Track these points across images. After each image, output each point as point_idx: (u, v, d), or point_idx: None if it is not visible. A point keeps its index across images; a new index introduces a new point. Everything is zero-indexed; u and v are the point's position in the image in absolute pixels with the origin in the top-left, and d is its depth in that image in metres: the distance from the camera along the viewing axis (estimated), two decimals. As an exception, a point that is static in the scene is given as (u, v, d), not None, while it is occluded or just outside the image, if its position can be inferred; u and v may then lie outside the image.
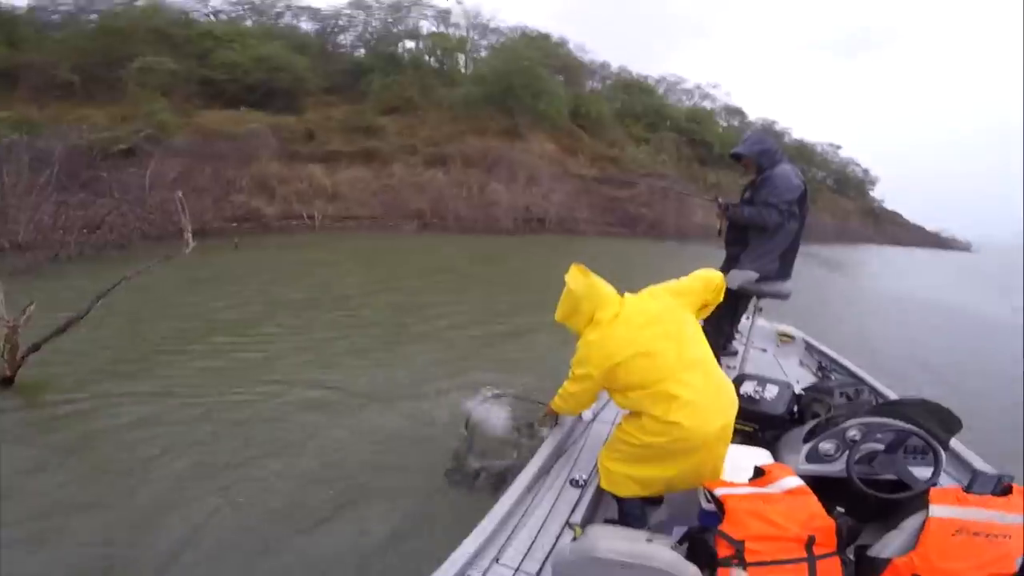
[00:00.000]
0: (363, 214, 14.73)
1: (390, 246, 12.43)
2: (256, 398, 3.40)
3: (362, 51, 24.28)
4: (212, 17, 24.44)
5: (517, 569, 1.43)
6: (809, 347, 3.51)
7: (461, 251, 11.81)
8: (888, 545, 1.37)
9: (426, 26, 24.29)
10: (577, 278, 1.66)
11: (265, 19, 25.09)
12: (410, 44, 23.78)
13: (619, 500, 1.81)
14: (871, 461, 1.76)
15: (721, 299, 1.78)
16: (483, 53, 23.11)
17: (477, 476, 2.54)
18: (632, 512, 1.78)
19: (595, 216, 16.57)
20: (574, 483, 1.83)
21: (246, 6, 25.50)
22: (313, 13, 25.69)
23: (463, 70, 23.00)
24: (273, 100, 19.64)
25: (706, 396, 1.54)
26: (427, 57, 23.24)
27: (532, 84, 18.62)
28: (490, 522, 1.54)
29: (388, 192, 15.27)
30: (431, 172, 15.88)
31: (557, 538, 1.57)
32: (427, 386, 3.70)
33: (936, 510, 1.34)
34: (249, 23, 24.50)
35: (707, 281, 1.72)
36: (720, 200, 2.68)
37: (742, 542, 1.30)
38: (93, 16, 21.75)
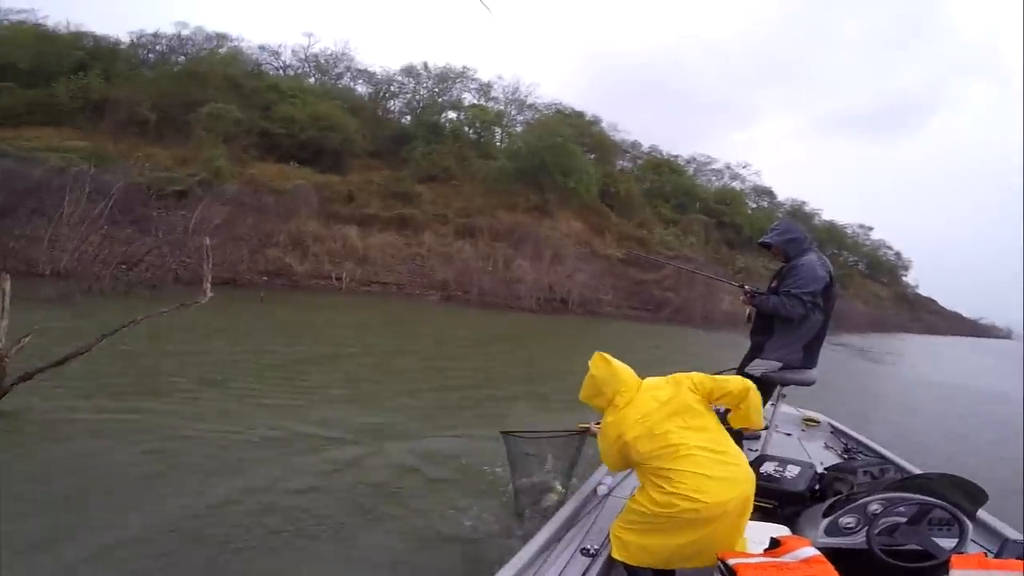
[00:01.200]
0: (390, 280, 14.93)
1: (412, 315, 12.39)
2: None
3: (408, 118, 25.68)
4: (281, 72, 26.61)
5: None
6: (835, 431, 3.47)
7: (482, 326, 11.61)
8: None
9: (468, 98, 25.79)
10: (599, 365, 1.82)
11: (327, 78, 27.04)
12: (452, 114, 25.01)
13: (630, 571, 1.84)
14: (892, 532, 1.69)
15: (748, 401, 1.85)
16: (519, 128, 23.97)
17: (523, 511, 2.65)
18: None
19: (619, 299, 16.35)
20: (585, 552, 1.82)
21: (312, 63, 27.81)
22: (368, 76, 27.55)
23: (499, 144, 23.75)
24: (321, 159, 20.65)
25: (717, 470, 1.60)
26: (466, 128, 24.26)
27: (564, 160, 18.92)
28: None
29: (416, 260, 15.53)
30: (459, 243, 16.16)
31: None
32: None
33: (956, 574, 1.24)
34: (312, 80, 26.37)
35: (725, 382, 1.83)
36: (747, 287, 2.68)
37: None
38: (181, 58, 23.90)
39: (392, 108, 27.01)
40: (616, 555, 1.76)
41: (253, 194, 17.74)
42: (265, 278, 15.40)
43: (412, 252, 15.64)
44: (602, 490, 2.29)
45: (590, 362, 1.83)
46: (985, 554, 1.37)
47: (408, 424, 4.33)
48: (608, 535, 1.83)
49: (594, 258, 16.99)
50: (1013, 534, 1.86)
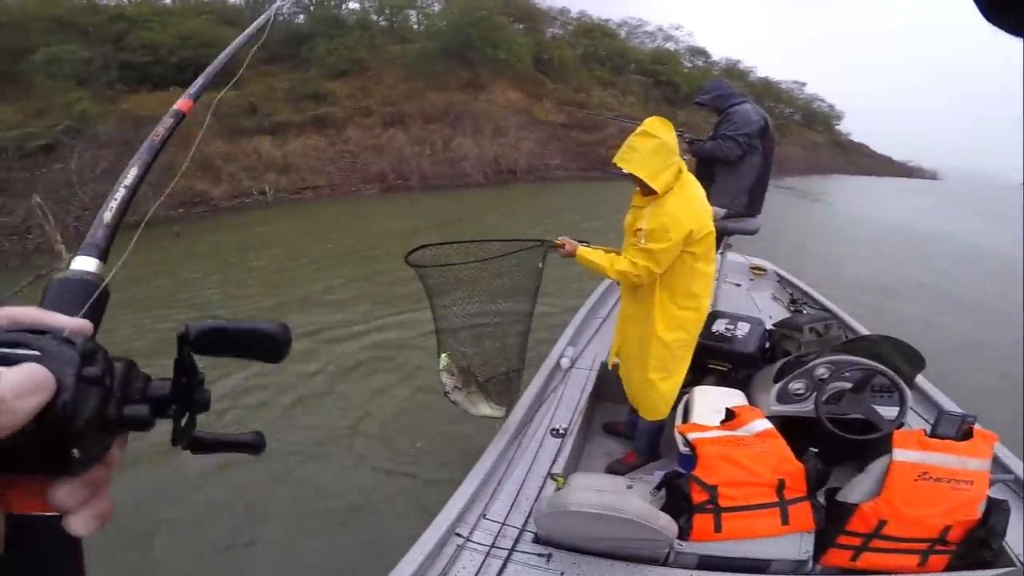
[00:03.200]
0: (321, 182, 13.42)
1: (350, 213, 11.32)
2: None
3: (302, 17, 22.36)
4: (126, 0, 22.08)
5: (503, 523, 1.42)
6: (782, 280, 3.50)
7: (427, 211, 10.78)
8: (855, 490, 1.37)
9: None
10: (666, 130, 1.57)
11: (186, -7, 22.70)
12: (354, 4, 21.90)
13: (640, 433, 1.91)
14: (839, 400, 1.74)
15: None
16: (436, 8, 21.34)
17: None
18: (652, 446, 1.95)
19: (567, 161, 15.57)
20: (555, 433, 1.79)
21: (160, -17, 23.10)
22: (240, -17, 23.19)
23: (416, 27, 21.28)
24: (192, 74, 17.88)
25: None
26: (375, 17, 21.36)
27: (491, 34, 17.13)
28: (475, 478, 1.53)
29: (345, 157, 13.94)
30: (390, 132, 14.55)
31: (540, 490, 1.56)
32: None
33: (900, 454, 1.32)
34: (168, 0, 22.32)
35: None
36: (686, 135, 2.69)
37: (715, 487, 1.29)
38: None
39: (281, 11, 23.15)
40: (652, 416, 1.89)
41: (135, 129, 15.17)
42: (181, 210, 13.72)
43: (338, 150, 13.98)
44: (565, 363, 2.15)
45: (653, 127, 1.56)
46: (925, 431, 1.37)
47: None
48: (576, 411, 1.83)
49: (536, 125, 15.86)
50: (948, 404, 1.93)
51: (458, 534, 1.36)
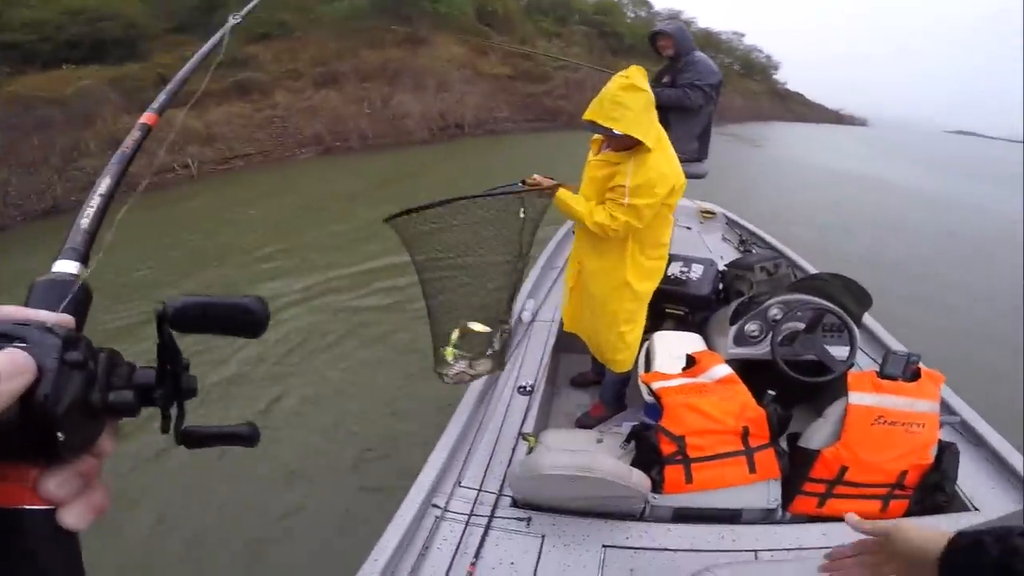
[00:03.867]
0: (251, 150, 12.26)
1: (281, 180, 10.44)
2: None
3: (213, -21, 20.16)
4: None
5: (480, 490, 1.39)
6: (730, 222, 3.54)
7: (370, 171, 10.11)
8: (815, 435, 1.39)
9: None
10: (646, 81, 1.46)
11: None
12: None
13: (606, 385, 1.95)
14: (793, 341, 1.78)
15: None
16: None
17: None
18: (619, 397, 1.99)
19: (514, 113, 14.99)
20: (522, 390, 1.74)
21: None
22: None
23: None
24: (107, 52, 15.77)
25: None
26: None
27: (426, -12, 16.33)
28: (445, 444, 1.48)
29: (275, 122, 12.76)
30: (322, 93, 13.42)
31: (513, 451, 1.52)
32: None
33: (855, 397, 1.34)
34: None
35: None
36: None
37: (682, 437, 1.30)
38: None
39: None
40: (622, 369, 1.89)
41: (25, 112, 13.33)
42: (91, 194, 12.31)
43: (266, 116, 12.78)
44: (526, 316, 2.09)
45: (630, 78, 1.42)
46: (876, 372, 1.39)
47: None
48: (541, 366, 1.80)
49: (481, 79, 15.10)
50: (895, 344, 1.96)
51: (435, 505, 1.32)
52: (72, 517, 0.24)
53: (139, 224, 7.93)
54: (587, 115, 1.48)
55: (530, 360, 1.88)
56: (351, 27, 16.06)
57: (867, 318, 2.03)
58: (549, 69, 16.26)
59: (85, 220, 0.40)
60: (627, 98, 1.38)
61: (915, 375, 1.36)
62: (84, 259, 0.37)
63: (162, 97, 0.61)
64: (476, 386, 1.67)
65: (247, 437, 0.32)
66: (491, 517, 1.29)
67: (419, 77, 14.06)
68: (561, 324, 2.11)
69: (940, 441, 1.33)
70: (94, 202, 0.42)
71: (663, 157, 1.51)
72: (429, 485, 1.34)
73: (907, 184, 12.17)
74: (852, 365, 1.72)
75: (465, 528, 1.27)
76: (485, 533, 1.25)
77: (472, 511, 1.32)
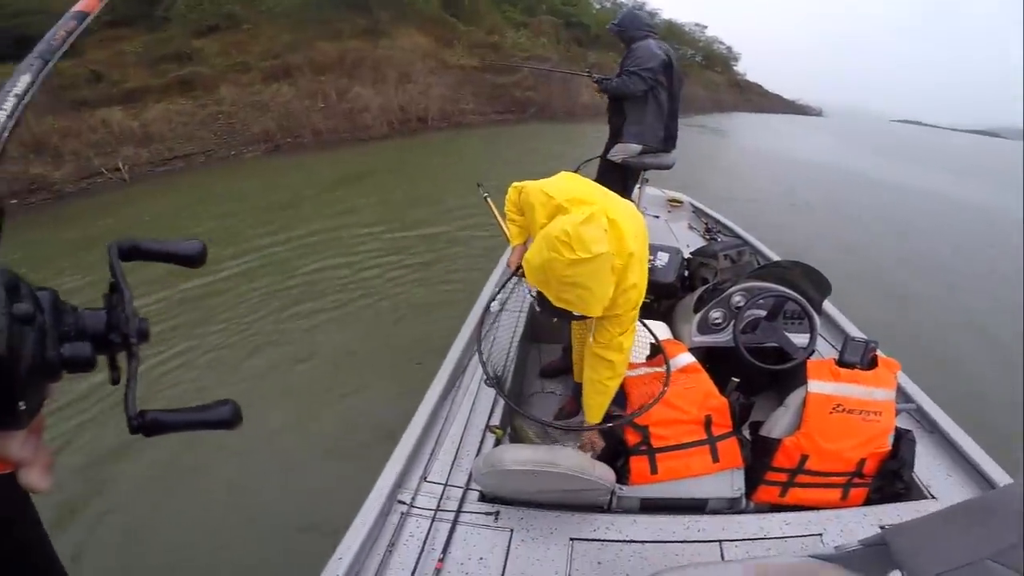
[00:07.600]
0: (192, 149, 10.83)
1: (226, 182, 9.10)
2: None
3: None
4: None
5: (446, 484, 1.33)
6: (697, 211, 3.49)
7: (320, 170, 8.90)
8: (777, 424, 1.37)
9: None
10: (595, 233, 1.15)
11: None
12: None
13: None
14: (755, 329, 1.75)
15: None
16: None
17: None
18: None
19: (481, 106, 13.90)
20: (489, 382, 1.62)
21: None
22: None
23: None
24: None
25: None
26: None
27: (387, -23, 14.92)
28: (410, 438, 1.41)
29: (220, 120, 11.33)
30: (273, 88, 12.03)
31: (480, 445, 1.47)
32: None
33: (814, 386, 1.32)
34: None
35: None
36: (594, 75, 2.68)
37: (646, 428, 1.28)
38: None
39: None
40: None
41: None
42: (14, 201, 10.61)
43: (210, 112, 11.34)
44: (494, 307, 1.99)
45: (573, 245, 1.05)
46: (835, 359, 1.37)
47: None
48: (509, 358, 1.73)
49: (447, 70, 13.92)
50: (854, 331, 1.97)
51: (400, 501, 1.27)
52: (35, 477, 0.22)
53: (56, 237, 6.62)
54: (535, 285, 1.11)
55: (498, 351, 1.75)
56: (305, 18, 14.72)
57: (827, 304, 2.01)
58: (518, 60, 15.26)
59: None
60: (578, 275, 0.97)
61: (873, 362, 1.34)
62: None
63: None
64: (442, 378, 1.61)
65: (227, 421, 0.26)
66: (458, 512, 1.25)
67: (379, 69, 12.80)
68: (528, 312, 2.03)
69: (897, 428, 1.32)
70: (8, 103, 0.29)
71: (639, 271, 1.17)
72: (394, 480, 1.28)
73: (865, 170, 12.29)
74: (813, 352, 1.70)
75: (432, 523, 1.22)
76: (452, 528, 1.21)
77: (438, 506, 1.26)
